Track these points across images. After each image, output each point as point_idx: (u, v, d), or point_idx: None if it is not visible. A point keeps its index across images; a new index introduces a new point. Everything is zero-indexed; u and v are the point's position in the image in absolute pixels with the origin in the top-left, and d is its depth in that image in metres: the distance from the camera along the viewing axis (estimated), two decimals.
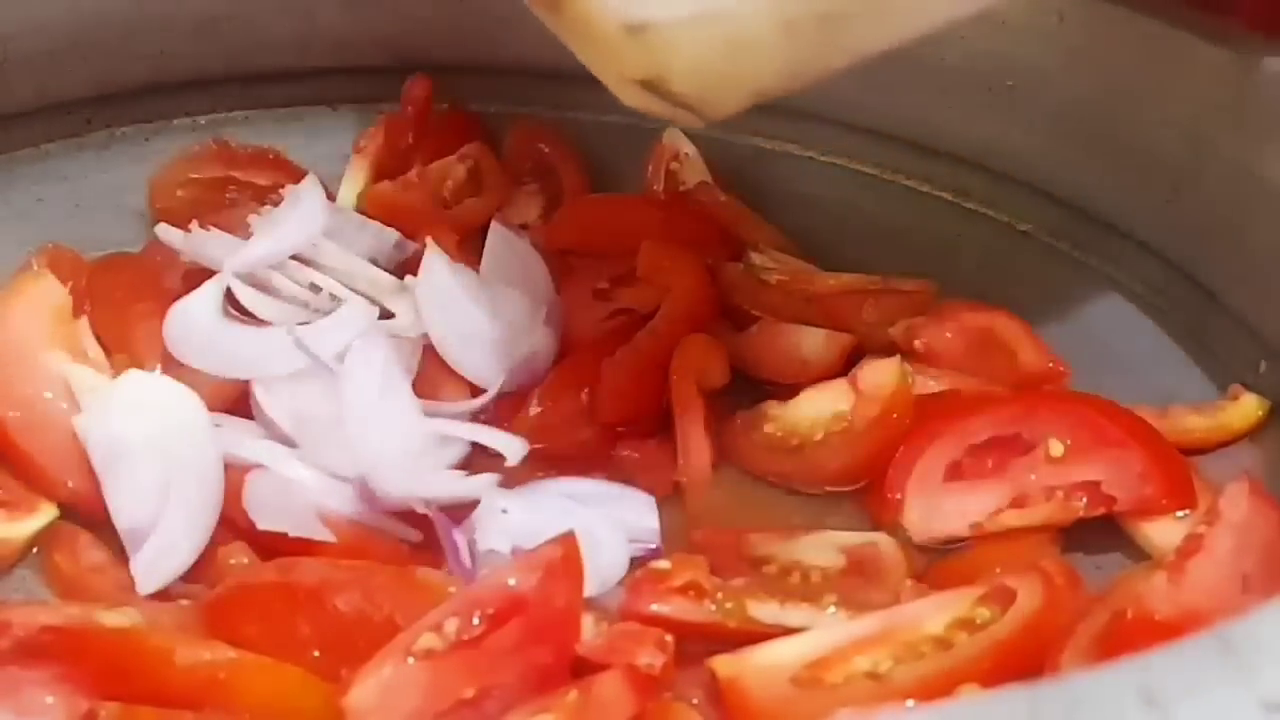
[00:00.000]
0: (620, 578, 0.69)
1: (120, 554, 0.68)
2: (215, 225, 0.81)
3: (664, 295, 0.81)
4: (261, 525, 0.67)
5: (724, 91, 0.62)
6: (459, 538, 0.68)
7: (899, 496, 0.72)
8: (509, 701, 0.59)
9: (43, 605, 0.65)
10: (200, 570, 0.68)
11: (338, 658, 0.61)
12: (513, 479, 0.73)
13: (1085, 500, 0.71)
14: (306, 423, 0.72)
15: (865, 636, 0.62)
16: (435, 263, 0.78)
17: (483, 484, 0.71)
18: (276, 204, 0.84)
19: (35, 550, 0.69)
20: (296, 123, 0.99)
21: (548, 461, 0.75)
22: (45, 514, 0.69)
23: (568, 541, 0.62)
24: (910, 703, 0.59)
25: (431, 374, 0.77)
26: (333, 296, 0.79)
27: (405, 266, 0.82)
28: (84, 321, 0.76)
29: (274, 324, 0.77)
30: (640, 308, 0.81)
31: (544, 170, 0.94)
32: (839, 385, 0.77)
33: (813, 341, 0.80)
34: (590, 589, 0.64)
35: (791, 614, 0.65)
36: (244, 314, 0.77)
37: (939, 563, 0.71)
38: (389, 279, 0.80)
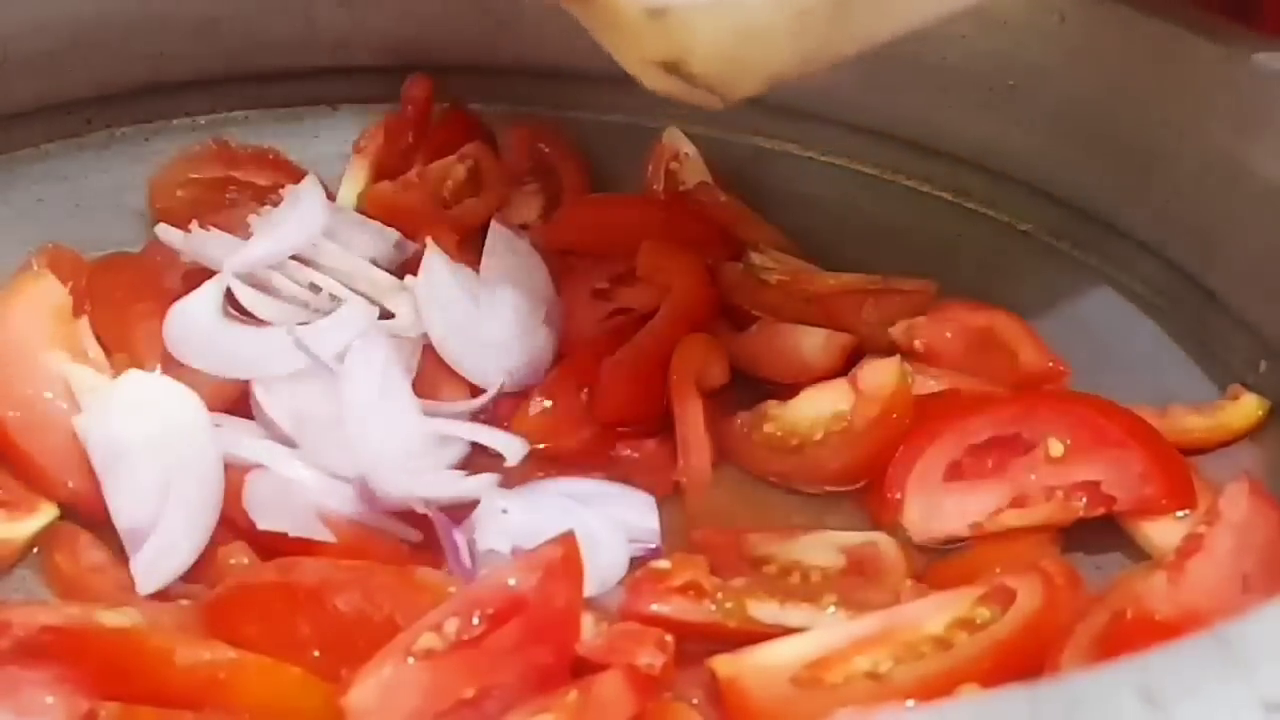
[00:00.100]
0: (620, 578, 0.69)
1: (120, 554, 0.68)
2: (215, 225, 0.81)
3: (664, 295, 0.81)
4: (262, 525, 0.67)
5: (741, 74, 0.64)
6: (459, 538, 0.68)
7: (899, 496, 0.72)
8: (509, 701, 0.58)
9: (43, 605, 0.65)
10: (200, 570, 0.68)
11: (338, 658, 0.61)
12: (513, 479, 0.73)
13: (1085, 500, 0.71)
14: (306, 423, 0.72)
15: (865, 636, 0.62)
16: (435, 263, 0.78)
17: (483, 484, 0.71)
18: (276, 204, 0.84)
19: (35, 550, 0.69)
20: (296, 123, 0.99)
21: (548, 461, 0.75)
22: (45, 514, 0.69)
23: (568, 541, 0.62)
24: (910, 703, 0.59)
25: (431, 374, 0.77)
26: (333, 296, 0.79)
27: (405, 266, 0.82)
28: (84, 321, 0.76)
29: (274, 324, 0.77)
30: (640, 308, 0.81)
31: (544, 170, 0.94)
32: (839, 385, 0.77)
33: (813, 341, 0.80)
34: (590, 589, 0.64)
35: (791, 614, 0.65)
36: (244, 314, 0.77)
37: (939, 563, 0.71)
38: (389, 279, 0.80)
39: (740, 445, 0.76)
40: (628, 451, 0.76)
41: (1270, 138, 0.79)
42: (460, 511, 0.70)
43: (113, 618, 0.61)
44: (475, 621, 0.60)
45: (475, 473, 0.73)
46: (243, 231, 0.81)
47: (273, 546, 0.67)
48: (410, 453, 0.72)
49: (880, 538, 0.70)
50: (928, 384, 0.78)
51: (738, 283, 0.85)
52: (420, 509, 0.69)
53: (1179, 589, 0.62)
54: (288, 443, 0.72)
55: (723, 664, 0.62)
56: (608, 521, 0.70)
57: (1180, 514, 0.71)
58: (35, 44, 0.90)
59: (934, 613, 0.63)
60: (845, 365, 0.79)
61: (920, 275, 0.86)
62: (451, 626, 0.60)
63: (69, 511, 0.70)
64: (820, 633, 0.63)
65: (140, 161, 0.93)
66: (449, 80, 0.97)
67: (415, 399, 0.74)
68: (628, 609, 0.65)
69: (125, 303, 0.78)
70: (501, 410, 0.77)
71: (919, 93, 0.93)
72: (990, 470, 0.73)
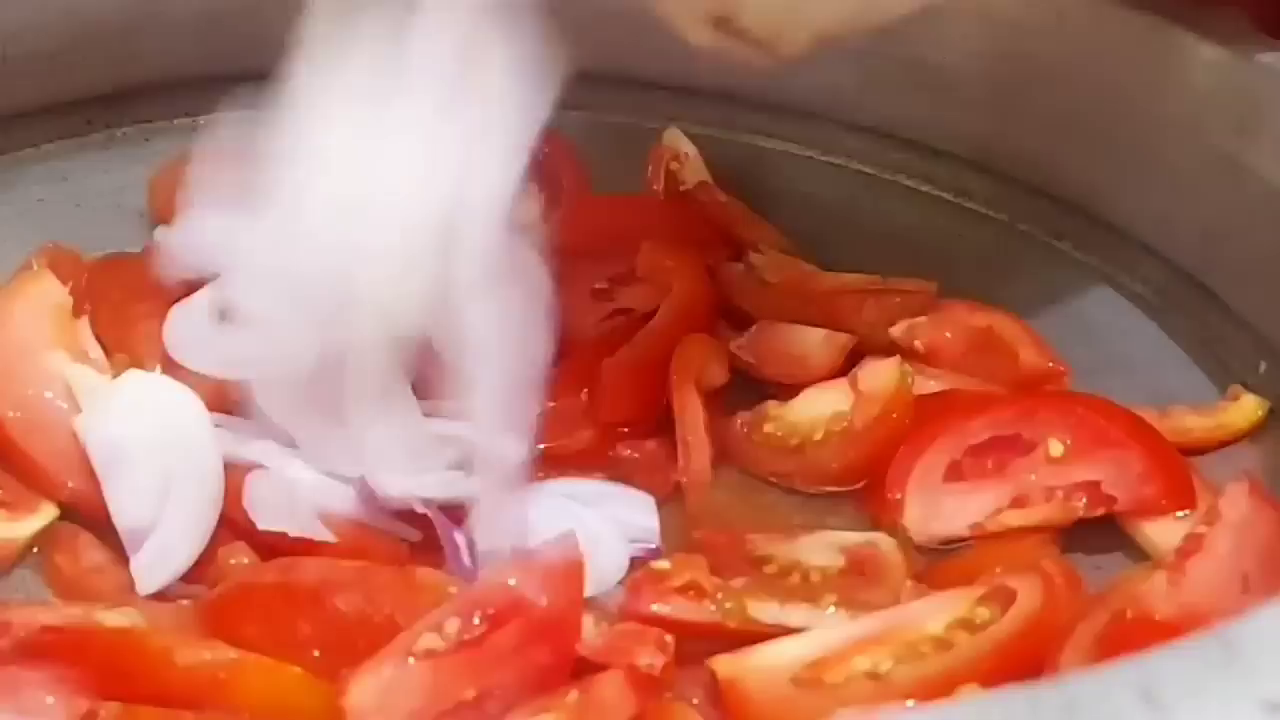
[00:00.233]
0: (620, 578, 0.69)
1: (120, 554, 0.68)
2: None
3: (664, 295, 0.81)
4: (262, 526, 0.67)
5: (790, 30, 0.64)
6: (459, 538, 0.68)
7: (899, 496, 0.72)
8: (509, 702, 0.58)
9: (43, 605, 0.65)
10: (200, 570, 0.68)
11: (338, 658, 0.61)
12: (513, 479, 0.73)
13: (1085, 500, 0.71)
14: (306, 423, 0.72)
15: (865, 636, 0.62)
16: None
17: (483, 484, 0.71)
18: None
19: (35, 550, 0.69)
20: None
21: (548, 461, 0.75)
22: (45, 514, 0.69)
23: (568, 543, 0.62)
24: (910, 703, 0.59)
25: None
26: None
27: None
28: (84, 321, 0.76)
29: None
30: (640, 308, 0.81)
31: (544, 170, 0.94)
32: (839, 385, 0.77)
33: (813, 341, 0.80)
34: (590, 589, 0.64)
35: (791, 614, 0.65)
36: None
37: (939, 563, 0.71)
38: None
39: (740, 445, 0.76)
40: (628, 451, 0.76)
41: (1270, 138, 0.79)
42: (460, 511, 0.70)
43: (113, 618, 0.61)
44: (476, 622, 0.60)
45: (475, 473, 0.73)
46: None
47: (273, 546, 0.67)
48: (410, 453, 0.72)
49: (880, 538, 0.70)
50: (928, 384, 0.78)
51: (738, 283, 0.85)
52: (420, 509, 0.69)
53: (1179, 589, 0.62)
54: (288, 443, 0.72)
55: (723, 664, 0.62)
56: (608, 521, 0.70)
57: (1180, 514, 0.71)
58: (35, 44, 0.90)
59: (934, 613, 0.63)
60: (845, 365, 0.79)
61: (920, 275, 0.86)
62: (452, 627, 0.60)
63: (69, 512, 0.70)
64: (820, 633, 0.63)
65: (140, 161, 0.93)
66: None
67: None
68: (628, 609, 0.65)
69: (125, 303, 0.78)
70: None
71: (919, 92, 0.93)
72: (990, 470, 0.73)
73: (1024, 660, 0.62)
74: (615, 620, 0.64)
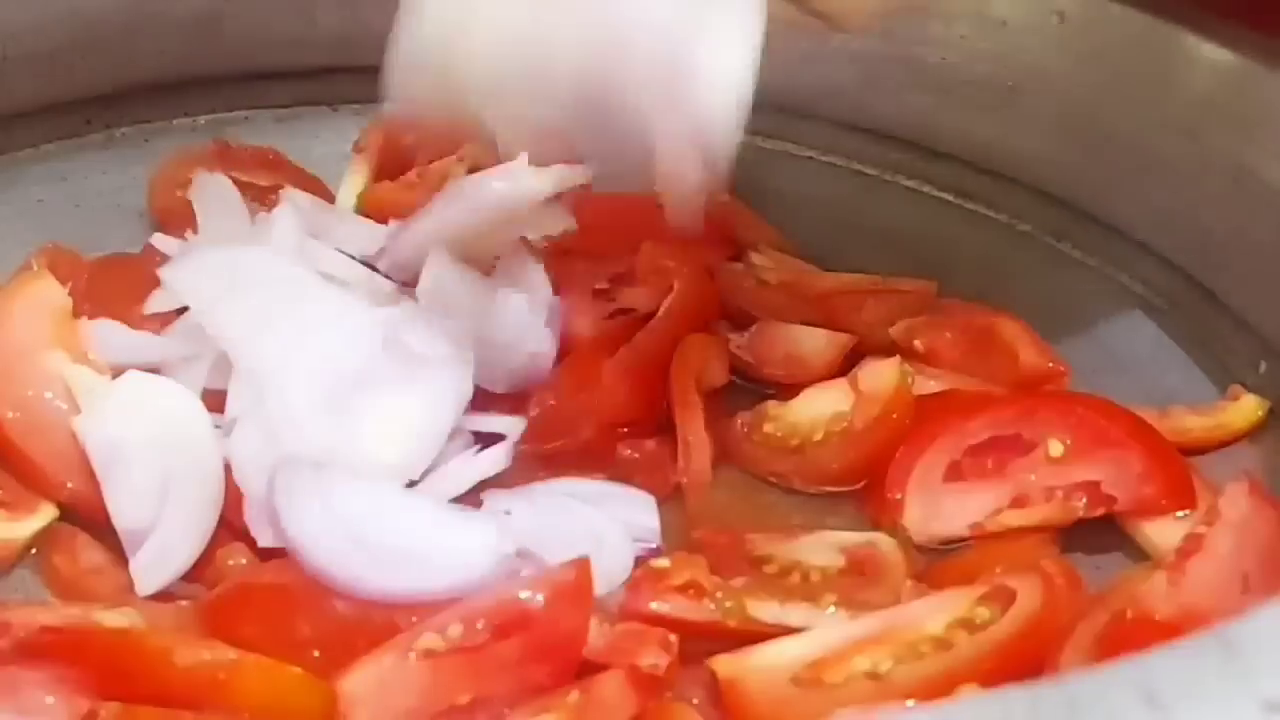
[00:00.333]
0: (625, 578, 0.68)
1: (119, 555, 0.68)
2: None
3: (664, 295, 0.81)
4: (262, 544, 0.67)
5: (854, 2, 0.63)
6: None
7: (899, 496, 0.72)
8: (503, 712, 0.59)
9: (43, 605, 0.65)
10: (200, 571, 0.68)
11: (338, 658, 0.61)
12: (513, 480, 0.73)
13: (1085, 500, 0.71)
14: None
15: (865, 636, 0.62)
16: (437, 263, 0.78)
17: (495, 457, 0.72)
18: (275, 204, 0.84)
19: (34, 551, 0.69)
20: (296, 123, 0.99)
21: (548, 462, 0.75)
22: (45, 514, 0.69)
23: (581, 565, 0.62)
24: (910, 703, 0.59)
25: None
26: None
27: None
28: (84, 321, 0.76)
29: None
30: (640, 308, 0.81)
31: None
32: (839, 385, 0.77)
33: (813, 341, 0.80)
34: (597, 589, 0.64)
35: (791, 614, 0.65)
36: None
37: (939, 563, 0.71)
38: (388, 283, 0.80)
39: (740, 445, 0.76)
40: (628, 451, 0.76)
41: (1270, 138, 0.80)
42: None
43: (112, 618, 0.61)
44: (479, 628, 0.60)
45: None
46: None
47: (273, 547, 0.67)
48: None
49: (880, 538, 0.70)
50: (928, 384, 0.78)
51: (738, 283, 0.85)
52: None
53: (1179, 589, 0.63)
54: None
55: (723, 664, 0.62)
56: (614, 521, 0.70)
57: (1180, 514, 0.71)
58: (35, 44, 0.90)
59: (934, 613, 0.63)
60: (845, 365, 0.79)
61: (920, 275, 0.86)
62: (455, 630, 0.60)
63: (68, 512, 0.70)
64: (820, 633, 0.63)
65: (140, 161, 0.93)
66: None
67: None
68: (628, 608, 0.65)
69: (125, 303, 0.78)
70: (503, 410, 0.77)
71: (919, 93, 0.93)
72: (990, 470, 0.73)
73: (1024, 660, 0.62)
74: (615, 620, 0.64)
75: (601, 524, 0.69)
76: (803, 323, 0.82)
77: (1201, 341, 0.85)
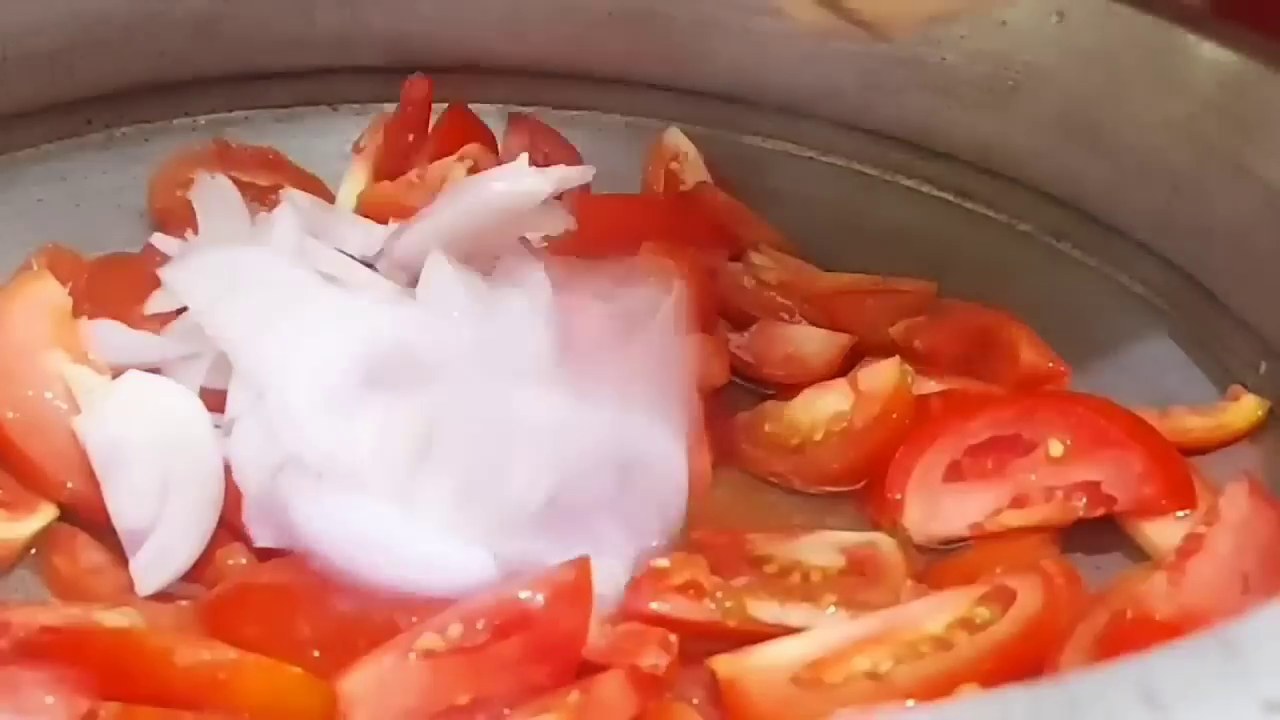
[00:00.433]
0: (628, 579, 0.68)
1: (119, 555, 0.67)
2: None
3: (664, 295, 0.81)
4: (259, 543, 0.67)
5: (899, 10, 0.62)
6: None
7: (899, 496, 0.72)
8: (501, 714, 0.59)
9: (43, 605, 0.65)
10: (199, 571, 0.67)
11: (338, 658, 0.61)
12: None
13: (1085, 500, 0.71)
14: None
15: (865, 636, 0.62)
16: (437, 264, 0.78)
17: None
18: (275, 205, 0.84)
19: (34, 551, 0.69)
20: (296, 123, 0.99)
21: None
22: (45, 514, 0.69)
23: (581, 566, 0.62)
24: (910, 703, 0.59)
25: None
26: None
27: None
28: (84, 321, 0.76)
29: None
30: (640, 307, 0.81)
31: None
32: (839, 385, 0.77)
33: (813, 341, 0.80)
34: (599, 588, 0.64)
35: (791, 614, 0.65)
36: None
37: (939, 563, 0.71)
38: (388, 284, 0.80)
39: (740, 445, 0.76)
40: None
41: (1270, 138, 0.80)
42: None
43: (112, 618, 0.61)
44: (479, 628, 0.60)
45: None
46: None
47: (272, 547, 0.67)
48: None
49: (880, 538, 0.70)
50: (928, 384, 0.78)
51: (738, 283, 0.85)
52: None
53: (1179, 589, 0.62)
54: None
55: (723, 664, 0.62)
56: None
57: (1180, 514, 0.71)
58: (35, 44, 0.90)
59: (934, 613, 0.63)
60: (845, 365, 0.79)
61: (920, 275, 0.86)
62: (455, 631, 0.60)
63: (68, 512, 0.70)
64: (820, 633, 0.63)
65: (140, 161, 0.93)
66: (449, 80, 0.97)
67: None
68: (628, 608, 0.65)
69: (125, 303, 0.78)
70: None
71: (919, 93, 0.93)
72: (990, 470, 0.72)
73: (1024, 660, 0.62)
74: (615, 619, 0.64)
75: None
76: (803, 323, 0.82)
77: (1201, 341, 0.85)
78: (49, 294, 0.75)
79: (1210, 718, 0.39)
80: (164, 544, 0.67)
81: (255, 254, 0.77)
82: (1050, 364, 0.80)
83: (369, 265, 0.80)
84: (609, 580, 0.65)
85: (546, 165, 0.81)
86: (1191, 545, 0.64)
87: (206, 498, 0.69)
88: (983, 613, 0.63)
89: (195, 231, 0.82)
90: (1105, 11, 0.86)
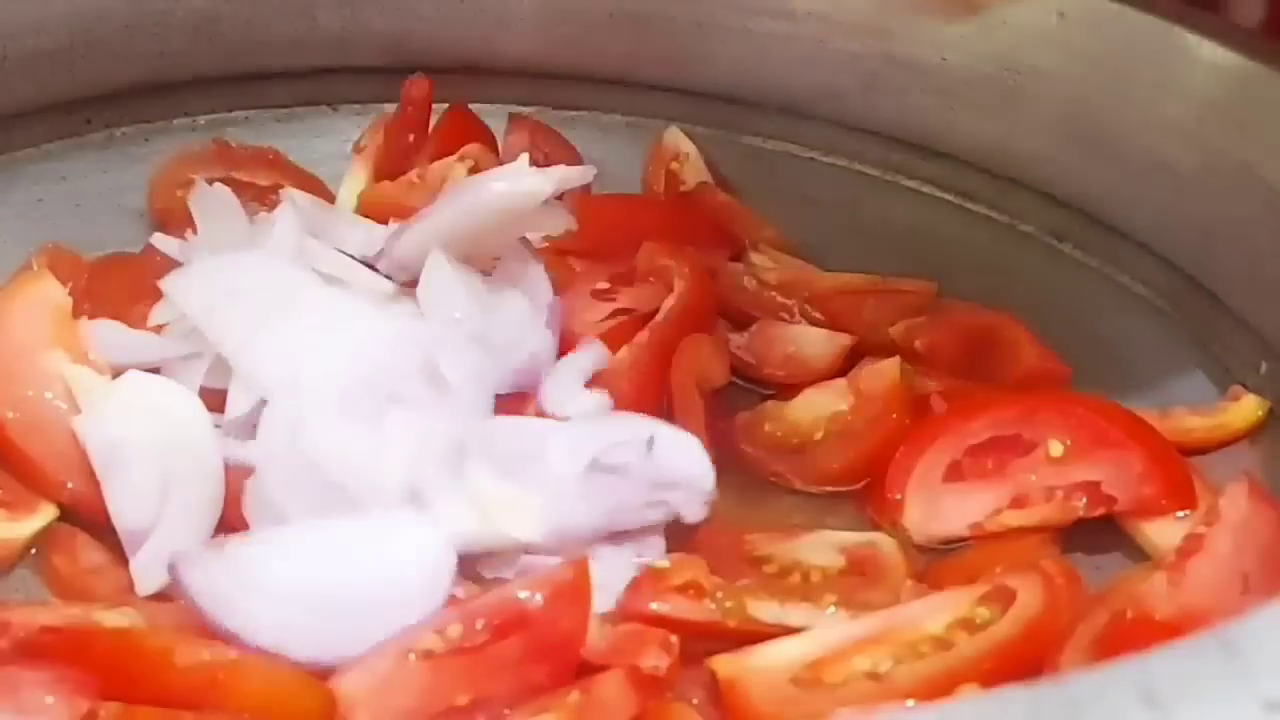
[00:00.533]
0: (629, 579, 0.68)
1: (119, 555, 0.67)
2: None
3: (664, 295, 0.81)
4: None
5: None
6: None
7: (899, 496, 0.72)
8: (501, 714, 0.59)
9: (43, 605, 0.65)
10: None
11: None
12: None
13: (1085, 500, 0.71)
14: None
15: (865, 636, 0.62)
16: (437, 264, 0.78)
17: None
18: (275, 205, 0.84)
19: (34, 551, 0.69)
20: (296, 123, 0.99)
21: None
22: (45, 514, 0.69)
23: (579, 566, 0.62)
24: (910, 703, 0.59)
25: None
26: None
27: None
28: (84, 321, 0.76)
29: None
30: (641, 308, 0.81)
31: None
32: (839, 385, 0.77)
33: (813, 341, 0.80)
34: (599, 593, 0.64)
35: (791, 614, 0.64)
36: None
37: (939, 563, 0.71)
38: (386, 282, 0.80)
39: (740, 445, 0.76)
40: None
41: (1270, 138, 0.80)
42: None
43: (112, 618, 0.61)
44: (478, 628, 0.60)
45: None
46: None
47: None
48: None
49: (880, 538, 0.70)
50: (928, 384, 0.78)
51: (738, 283, 0.85)
52: None
53: (1179, 589, 0.62)
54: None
55: (723, 664, 0.62)
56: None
57: (1180, 514, 0.71)
58: (35, 44, 0.90)
59: (934, 613, 0.63)
60: (845, 365, 0.79)
61: (920, 275, 0.86)
62: (454, 631, 0.60)
63: (68, 512, 0.70)
64: (820, 633, 0.63)
65: (140, 161, 0.93)
66: (449, 80, 0.97)
67: None
68: (627, 608, 0.65)
69: (125, 303, 0.78)
70: (503, 411, 0.77)
71: (919, 93, 0.93)
72: (990, 470, 0.72)
73: (1024, 660, 0.62)
74: (615, 620, 0.64)
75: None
76: (803, 323, 0.82)
77: (1201, 341, 0.85)
78: (49, 294, 0.75)
79: (1210, 718, 0.39)
80: (164, 544, 0.67)
81: (254, 259, 0.77)
82: (1050, 365, 0.80)
83: (369, 265, 0.80)
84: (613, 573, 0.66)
85: (546, 165, 0.81)
86: (1191, 545, 0.64)
87: (206, 498, 0.69)
88: (983, 613, 0.63)
89: (195, 231, 0.82)
90: (1106, 11, 0.86)
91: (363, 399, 0.71)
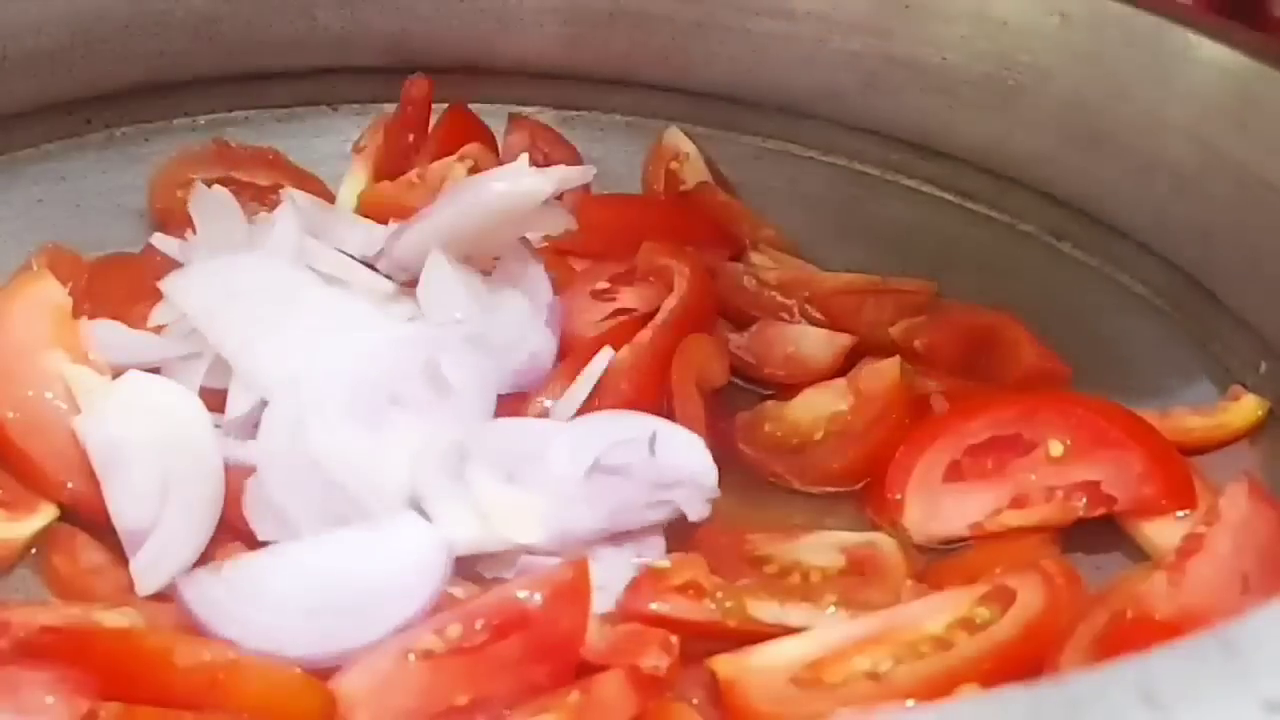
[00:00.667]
0: (629, 579, 0.68)
1: (119, 555, 0.67)
2: None
3: (664, 295, 0.81)
4: (261, 536, 0.67)
5: None
6: None
7: (899, 496, 0.72)
8: (501, 714, 0.59)
9: (43, 605, 0.65)
10: None
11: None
12: None
13: (1085, 500, 0.71)
14: None
15: (865, 636, 0.62)
16: (437, 264, 0.78)
17: None
18: (275, 205, 0.84)
19: (34, 551, 0.69)
20: (296, 123, 0.99)
21: None
22: (45, 514, 0.69)
23: (579, 566, 0.62)
24: (910, 703, 0.59)
25: None
26: None
27: None
28: (84, 321, 0.76)
29: None
30: (640, 308, 0.81)
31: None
32: (839, 385, 0.77)
33: (813, 341, 0.80)
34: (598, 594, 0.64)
35: (791, 614, 0.64)
36: None
37: (939, 563, 0.71)
38: (386, 282, 0.80)
39: (740, 445, 0.76)
40: None
41: (1270, 138, 0.79)
42: None
43: (112, 618, 0.61)
44: (478, 628, 0.60)
45: None
46: None
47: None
48: None
49: (880, 538, 0.70)
50: (928, 384, 0.78)
51: (738, 283, 0.85)
52: None
53: (1179, 589, 0.62)
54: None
55: (723, 664, 0.62)
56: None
57: (1180, 514, 0.71)
58: (35, 44, 0.90)
59: (934, 613, 0.63)
60: (845, 365, 0.79)
61: (920, 275, 0.86)
62: (454, 631, 0.60)
63: (68, 512, 0.70)
64: (820, 633, 0.63)
65: (140, 161, 0.93)
66: (449, 80, 0.97)
67: None
68: (627, 608, 0.65)
69: (125, 303, 0.78)
70: (502, 411, 0.77)
71: (920, 93, 0.93)
72: (990, 470, 0.72)
73: (1024, 660, 0.62)
74: (615, 620, 0.64)
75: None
76: (803, 323, 0.82)
77: (1201, 341, 0.85)
78: (49, 294, 0.75)
79: (1210, 718, 0.39)
80: (164, 544, 0.67)
81: (254, 259, 0.77)
82: (1050, 364, 0.80)
83: (369, 265, 0.80)
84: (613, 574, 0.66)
85: (546, 165, 0.81)
86: (1191, 545, 0.64)
87: (206, 497, 0.69)
88: (983, 613, 0.63)
89: (195, 232, 0.82)
90: (1106, 11, 0.86)
91: (364, 400, 0.71)
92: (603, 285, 0.83)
